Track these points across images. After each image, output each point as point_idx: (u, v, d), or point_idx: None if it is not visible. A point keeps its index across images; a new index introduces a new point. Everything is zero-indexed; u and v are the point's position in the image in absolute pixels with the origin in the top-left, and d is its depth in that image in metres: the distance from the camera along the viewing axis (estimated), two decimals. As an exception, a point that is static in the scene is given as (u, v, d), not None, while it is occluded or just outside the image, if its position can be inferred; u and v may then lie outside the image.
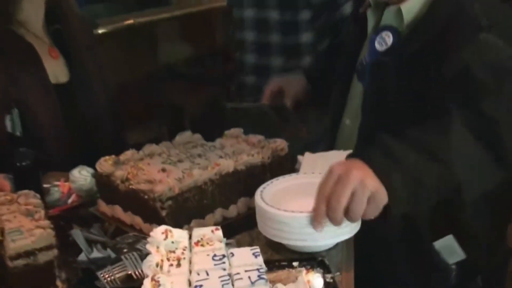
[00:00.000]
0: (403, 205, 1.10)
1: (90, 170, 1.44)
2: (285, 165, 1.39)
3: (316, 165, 1.37)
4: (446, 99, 1.21)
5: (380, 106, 1.41)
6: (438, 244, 1.38)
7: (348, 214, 1.07)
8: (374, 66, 1.42)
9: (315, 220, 1.08)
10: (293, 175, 1.29)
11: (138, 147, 1.43)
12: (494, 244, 1.47)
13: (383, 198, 1.07)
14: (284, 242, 1.14)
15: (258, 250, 1.04)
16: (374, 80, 1.42)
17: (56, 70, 1.65)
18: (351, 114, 1.52)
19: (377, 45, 1.42)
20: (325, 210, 1.07)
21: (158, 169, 1.31)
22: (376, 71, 1.41)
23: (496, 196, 1.28)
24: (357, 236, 1.16)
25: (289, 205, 1.16)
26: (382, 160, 1.09)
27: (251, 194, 1.22)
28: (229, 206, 1.31)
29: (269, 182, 1.25)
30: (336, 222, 1.08)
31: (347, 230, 1.13)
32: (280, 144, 1.40)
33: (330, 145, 1.57)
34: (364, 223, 1.15)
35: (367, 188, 1.05)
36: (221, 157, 1.36)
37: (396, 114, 1.35)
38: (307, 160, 1.42)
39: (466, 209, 1.27)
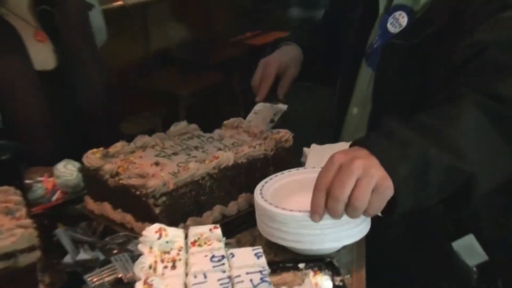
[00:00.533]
0: (410, 198, 1.06)
1: (77, 164, 1.43)
2: (289, 158, 1.38)
3: (323, 158, 1.36)
4: (460, 82, 1.18)
5: (392, 92, 1.40)
6: (457, 244, 1.38)
7: (349, 206, 1.03)
8: (386, 49, 1.41)
9: (313, 211, 1.05)
10: (298, 169, 1.28)
11: (130, 138, 1.43)
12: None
13: (388, 190, 1.03)
14: (283, 243, 1.13)
15: (261, 250, 1.04)
16: (385, 65, 1.41)
17: (42, 56, 1.63)
18: (359, 102, 1.51)
19: (389, 26, 1.42)
20: (324, 200, 1.04)
21: (151, 163, 1.31)
22: (388, 54, 1.41)
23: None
24: (367, 235, 1.16)
25: (291, 202, 1.16)
26: (388, 148, 1.05)
27: (252, 189, 1.22)
28: (228, 203, 1.31)
29: (271, 176, 1.24)
30: (335, 214, 1.04)
31: (354, 232, 1.12)
32: (285, 135, 1.40)
33: (335, 136, 1.56)
34: (375, 222, 1.14)
35: (372, 178, 1.02)
36: (220, 149, 1.36)
37: (409, 101, 1.35)
38: (314, 152, 1.42)
39: (473, 203, 1.24)
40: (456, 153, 1.06)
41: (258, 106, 1.59)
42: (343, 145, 1.41)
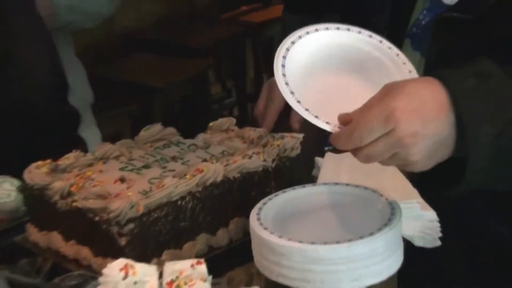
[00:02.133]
0: (482, 176, 1.11)
1: (15, 182, 1.44)
2: (296, 171, 1.39)
3: (341, 171, 1.37)
4: None
5: None
6: None
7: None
8: (440, 26, 1.42)
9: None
10: (307, 186, 1.29)
11: (85, 148, 1.43)
12: None
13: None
14: (287, 283, 1.13)
15: (259, 293, 1.03)
16: (439, 46, 1.42)
17: None
18: None
19: None
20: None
21: (114, 179, 1.31)
22: (442, 33, 1.41)
23: None
24: (400, 269, 1.16)
25: (297, 230, 1.16)
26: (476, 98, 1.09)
27: (247, 212, 1.22)
28: (216, 231, 1.31)
29: (272, 196, 1.24)
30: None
31: (379, 268, 1.11)
32: (290, 140, 1.40)
33: None
34: (414, 251, 1.13)
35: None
36: (205, 160, 1.36)
37: None
38: (329, 163, 1.42)
39: None
40: None
41: None
42: None
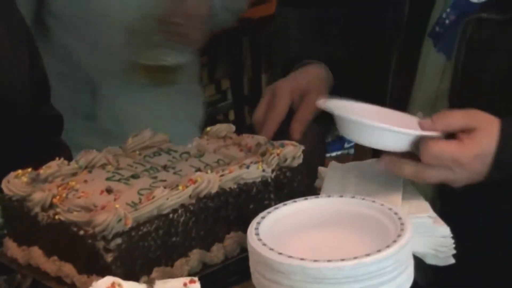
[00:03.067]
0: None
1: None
2: (298, 182, 1.40)
3: (346, 183, 1.38)
4: None
5: (479, 86, 1.42)
6: None
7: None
8: (469, 27, 1.43)
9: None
10: (310, 199, 1.29)
11: (70, 155, 1.43)
12: None
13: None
14: None
15: (257, 314, 1.04)
16: (468, 48, 1.43)
17: None
18: (426, 103, 1.53)
19: None
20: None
21: (100, 189, 1.32)
22: (472, 34, 1.42)
23: None
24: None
25: (298, 246, 1.16)
26: None
27: (245, 227, 1.22)
28: (211, 246, 1.31)
29: (271, 209, 1.25)
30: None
31: None
32: (291, 150, 1.40)
33: (376, 152, 1.57)
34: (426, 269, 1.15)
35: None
36: (199, 169, 1.37)
37: (505, 99, 1.39)
38: (333, 174, 1.43)
39: None
40: None
41: None
42: (373, 164, 1.42)
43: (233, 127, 1.53)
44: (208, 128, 1.53)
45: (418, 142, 1.29)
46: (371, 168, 1.41)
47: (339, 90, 1.56)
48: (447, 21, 1.47)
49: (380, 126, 1.29)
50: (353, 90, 1.54)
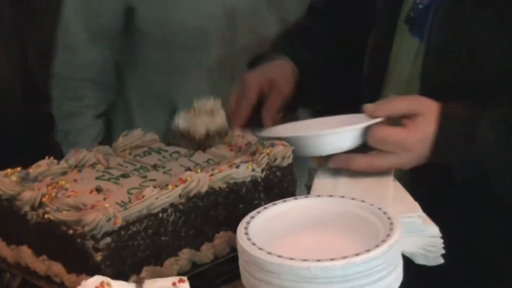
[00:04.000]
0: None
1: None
2: (288, 182, 1.40)
3: (336, 183, 1.39)
4: None
5: (451, 69, 1.44)
6: None
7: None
8: (441, 10, 1.44)
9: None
10: (299, 198, 1.30)
11: (60, 154, 1.43)
12: None
13: None
14: None
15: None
16: (441, 31, 1.44)
17: None
18: (398, 85, 1.55)
19: None
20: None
21: (90, 189, 1.32)
22: (444, 16, 1.43)
23: None
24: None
25: (288, 246, 1.17)
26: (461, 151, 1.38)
27: (234, 227, 1.23)
28: (201, 246, 1.31)
29: (260, 209, 1.26)
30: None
31: None
32: (282, 150, 1.40)
33: None
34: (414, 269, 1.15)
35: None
36: (188, 169, 1.37)
37: (476, 82, 1.40)
38: (323, 174, 1.43)
39: None
40: None
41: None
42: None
43: (219, 102, 1.53)
44: (195, 103, 1.52)
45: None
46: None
47: (303, 93, 1.65)
48: (420, 6, 1.48)
49: (326, 132, 1.41)
50: (328, 83, 1.69)
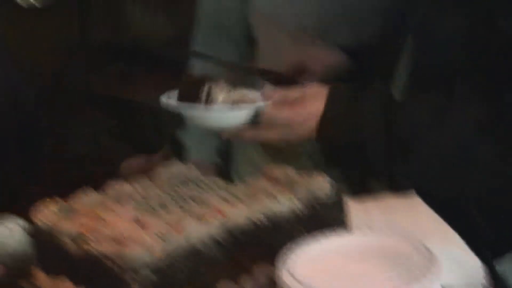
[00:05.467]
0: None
1: (21, 221, 1.45)
2: (330, 215, 1.40)
3: (371, 219, 1.39)
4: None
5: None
6: (503, 265, 1.40)
7: None
8: None
9: None
10: (340, 235, 1.30)
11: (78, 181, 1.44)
12: None
13: None
14: None
15: None
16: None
17: None
18: None
19: None
20: None
21: (128, 220, 1.33)
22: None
23: None
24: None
25: (328, 280, 1.16)
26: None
27: (274, 259, 1.23)
28: (239, 277, 1.32)
29: (300, 241, 1.25)
30: None
31: None
32: (319, 181, 1.41)
33: None
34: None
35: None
36: (226, 200, 1.38)
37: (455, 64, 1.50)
38: (356, 206, 1.44)
39: None
40: None
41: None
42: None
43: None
44: None
45: None
46: (394, 203, 1.42)
47: None
48: None
49: (220, 109, 1.59)
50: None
